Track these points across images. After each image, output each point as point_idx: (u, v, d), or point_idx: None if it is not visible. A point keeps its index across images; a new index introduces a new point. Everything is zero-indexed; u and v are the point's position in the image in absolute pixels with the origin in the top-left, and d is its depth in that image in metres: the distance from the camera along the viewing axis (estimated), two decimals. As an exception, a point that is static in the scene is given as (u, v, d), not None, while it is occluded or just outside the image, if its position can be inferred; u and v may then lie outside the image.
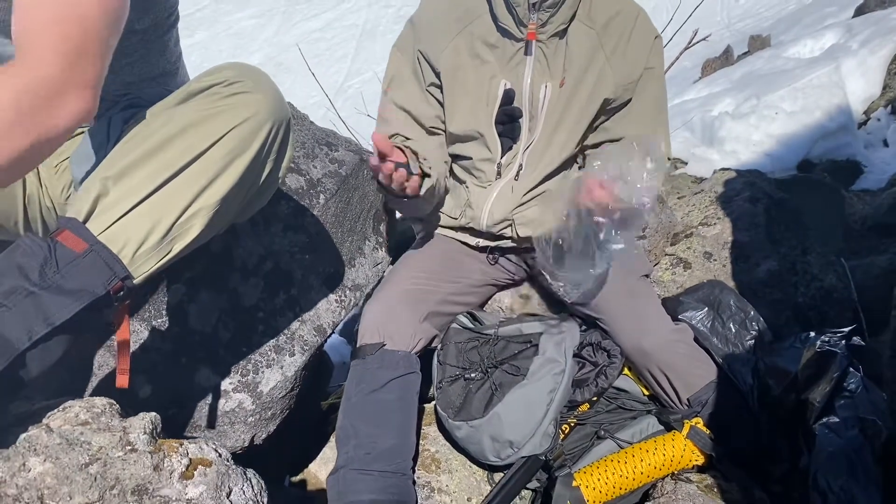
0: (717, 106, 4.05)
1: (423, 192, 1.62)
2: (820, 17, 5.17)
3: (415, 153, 1.67)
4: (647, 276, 1.82)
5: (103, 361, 1.47)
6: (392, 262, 1.99)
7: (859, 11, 4.73)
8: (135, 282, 1.06)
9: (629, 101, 1.75)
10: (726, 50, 4.83)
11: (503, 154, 1.79)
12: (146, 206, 1.05)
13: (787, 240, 2.32)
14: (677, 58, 3.44)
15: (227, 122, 1.09)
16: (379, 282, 1.89)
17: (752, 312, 1.74)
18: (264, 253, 1.66)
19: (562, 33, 1.70)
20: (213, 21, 12.89)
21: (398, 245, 2.04)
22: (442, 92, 1.78)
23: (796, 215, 2.39)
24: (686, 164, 3.51)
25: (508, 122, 1.77)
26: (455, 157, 1.87)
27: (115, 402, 1.15)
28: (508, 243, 1.85)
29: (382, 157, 1.51)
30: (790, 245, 2.31)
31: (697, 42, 3.35)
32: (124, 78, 1.36)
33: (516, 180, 1.80)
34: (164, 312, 1.53)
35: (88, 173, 1.29)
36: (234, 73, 1.13)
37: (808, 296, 2.23)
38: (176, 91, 1.18)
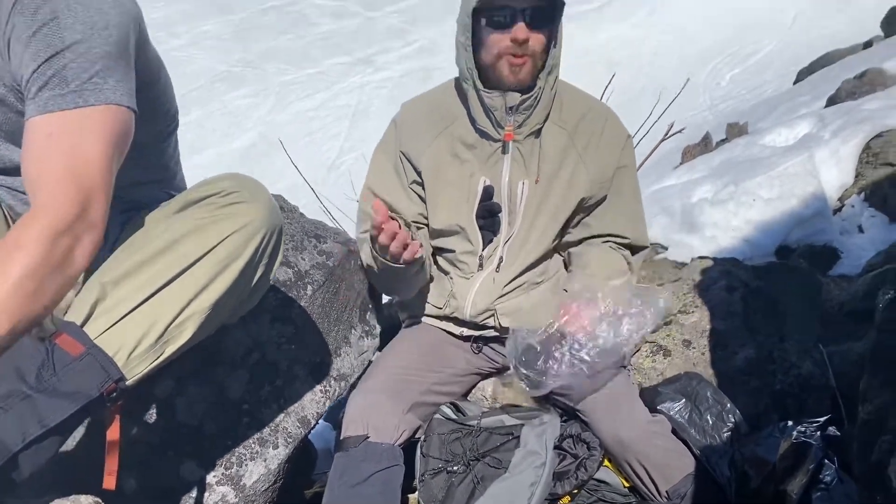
0: (697, 192, 4.17)
1: (418, 255, 1.68)
2: (794, 106, 5.40)
3: (406, 224, 1.76)
4: (624, 367, 1.87)
5: (91, 456, 1.49)
6: (378, 350, 2.04)
7: (831, 101, 4.95)
8: (128, 383, 1.11)
9: (605, 197, 1.85)
10: (705, 136, 5.02)
11: (484, 247, 1.87)
12: (142, 310, 1.10)
13: (764, 328, 2.38)
14: (653, 150, 3.59)
15: (221, 231, 1.16)
16: (364, 371, 1.93)
17: (728, 405, 1.79)
18: (251, 344, 1.70)
19: (536, 133, 1.81)
20: (208, 100, 13.21)
21: (383, 333, 2.09)
22: (424, 189, 1.87)
23: (773, 303, 2.46)
24: (667, 249, 3.59)
25: (489, 217, 1.85)
26: (438, 250, 1.95)
27: (100, 501, 1.17)
28: (492, 332, 1.91)
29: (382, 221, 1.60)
30: (767, 333, 2.37)
31: (673, 134, 3.51)
32: (123, 182, 1.43)
33: (497, 272, 1.87)
34: (152, 406, 1.56)
35: (85, 275, 1.34)
36: (231, 184, 1.20)
37: (787, 383, 2.28)
38: (175, 198, 1.25)
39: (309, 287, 1.84)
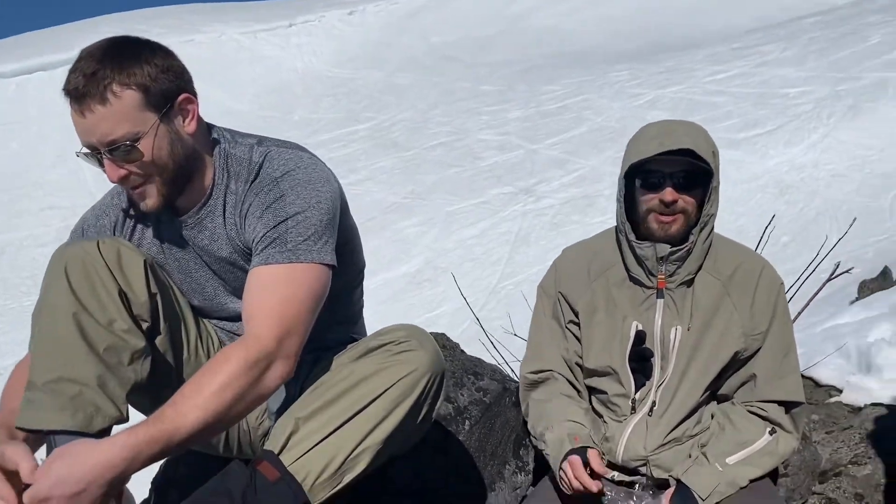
0: (874, 331, 3.94)
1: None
2: None
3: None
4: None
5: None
6: (532, 486, 2.11)
7: None
8: (312, 507, 1.29)
9: (759, 349, 1.86)
10: (884, 271, 4.74)
11: (637, 390, 1.92)
12: (327, 443, 1.31)
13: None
14: (819, 290, 3.48)
15: (394, 375, 1.36)
16: (517, 506, 2.00)
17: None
18: (414, 474, 1.85)
19: (689, 282, 1.88)
20: (381, 228, 14.18)
21: (536, 470, 2.16)
22: (580, 329, 1.99)
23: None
24: (841, 391, 3.41)
25: (641, 361, 1.92)
26: (592, 391, 2.03)
27: None
28: (643, 480, 1.93)
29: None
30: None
31: (840, 274, 3.39)
32: (316, 325, 1.69)
33: (650, 416, 1.91)
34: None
35: (280, 405, 1.59)
36: (404, 334, 1.41)
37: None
38: (357, 344, 1.48)
39: (467, 422, 1.98)
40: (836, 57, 16.09)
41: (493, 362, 2.65)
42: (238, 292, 1.58)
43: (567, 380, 2.02)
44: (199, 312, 1.66)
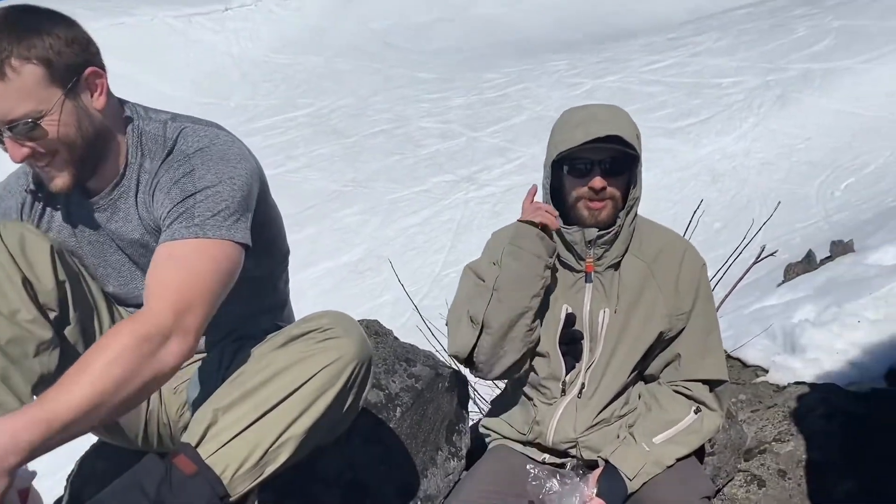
0: (798, 312, 4.07)
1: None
2: (904, 222, 5.22)
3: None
4: (708, 497, 1.85)
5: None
6: (465, 471, 2.11)
7: (944, 216, 4.77)
8: (231, 500, 1.25)
9: (683, 329, 1.90)
10: (808, 254, 4.91)
11: (567, 372, 1.94)
12: (247, 434, 1.26)
13: (866, 458, 2.28)
14: (744, 274, 3.57)
15: (318, 363, 1.32)
16: (450, 492, 2.00)
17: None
18: (344, 465, 1.82)
19: (616, 265, 1.90)
20: (321, 217, 14.00)
21: (469, 454, 2.16)
22: None
23: (877, 431, 2.36)
24: (767, 371, 3.51)
25: (571, 343, 1.94)
26: (524, 375, 2.03)
27: None
28: (573, 462, 1.95)
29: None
30: (871, 464, 2.27)
31: (765, 257, 3.49)
32: (237, 313, 1.63)
33: (579, 398, 1.93)
34: (252, 519, 1.69)
35: (200, 396, 1.53)
36: (328, 321, 1.37)
37: (894, 521, 2.16)
38: (280, 333, 1.43)
39: (398, 409, 1.96)
40: (765, 48, 16.61)
41: (431, 349, 2.64)
42: None
43: None
44: (114, 299, 1.59)
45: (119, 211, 1.47)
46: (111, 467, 1.75)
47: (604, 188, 1.80)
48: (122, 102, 1.48)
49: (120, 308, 1.61)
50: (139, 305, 1.58)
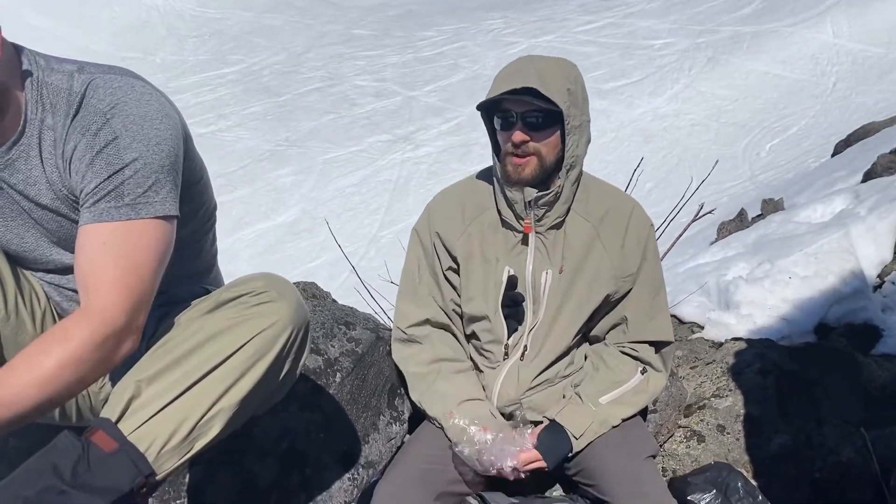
0: (732, 270, 4.15)
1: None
2: (830, 181, 5.37)
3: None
4: (653, 456, 1.85)
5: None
6: (407, 435, 2.05)
7: (867, 176, 4.91)
8: (157, 478, 1.15)
9: (629, 291, 1.86)
10: (740, 213, 5.00)
11: (509, 335, 1.89)
12: (173, 408, 1.16)
13: (800, 412, 2.33)
14: (682, 233, 3.60)
15: (251, 329, 1.22)
16: (393, 457, 1.94)
17: (759, 497, 1.75)
18: (281, 433, 1.74)
19: (559, 225, 1.84)
20: (254, 178, 13.65)
21: (412, 419, 2.11)
22: (458, 276, 1.91)
23: (810, 385, 2.42)
24: (703, 328, 3.56)
25: (513, 306, 1.88)
26: (469, 337, 1.98)
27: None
28: (518, 424, 1.91)
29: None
30: (804, 417, 2.32)
31: (703, 215, 3.53)
32: (163, 279, 1.52)
33: (522, 360, 1.88)
34: (182, 494, 1.60)
35: (121, 367, 1.41)
36: (261, 284, 1.27)
37: (825, 471, 2.21)
38: (209, 297, 1.32)
39: (338, 374, 1.88)
40: (696, 10, 16.82)
41: (370, 311, 2.56)
42: (64, 243, 1.38)
43: (445, 329, 1.95)
44: (19, 262, 1.45)
45: (19, 172, 1.32)
46: (25, 444, 1.63)
47: (524, 142, 1.72)
48: (18, 52, 1.32)
49: (26, 273, 1.47)
50: (49, 270, 1.46)
